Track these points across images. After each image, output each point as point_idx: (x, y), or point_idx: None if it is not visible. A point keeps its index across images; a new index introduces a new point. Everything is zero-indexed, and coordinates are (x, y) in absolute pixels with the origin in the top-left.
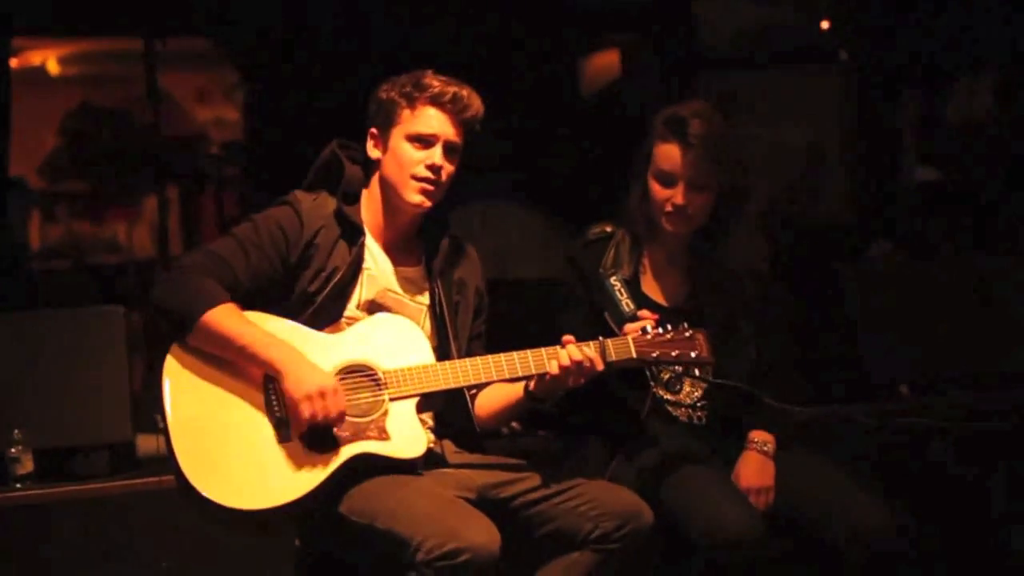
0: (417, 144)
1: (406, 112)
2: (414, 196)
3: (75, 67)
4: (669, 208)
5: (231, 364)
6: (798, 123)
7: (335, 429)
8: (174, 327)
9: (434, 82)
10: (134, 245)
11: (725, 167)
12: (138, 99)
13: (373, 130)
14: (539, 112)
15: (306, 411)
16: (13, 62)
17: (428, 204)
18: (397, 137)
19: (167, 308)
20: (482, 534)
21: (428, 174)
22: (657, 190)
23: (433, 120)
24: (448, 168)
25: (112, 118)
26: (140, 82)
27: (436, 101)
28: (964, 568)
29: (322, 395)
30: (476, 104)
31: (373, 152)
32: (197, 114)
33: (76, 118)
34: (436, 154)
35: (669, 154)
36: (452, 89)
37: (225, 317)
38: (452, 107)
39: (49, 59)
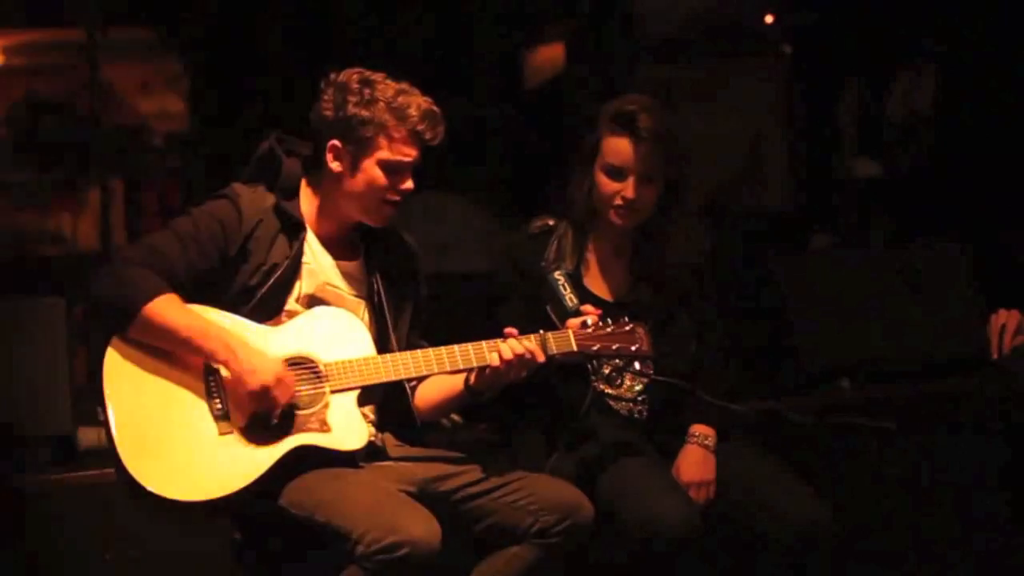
0: (389, 171)
1: (383, 141)
2: (378, 217)
3: (18, 57)
4: (619, 202)
5: (172, 356)
6: (739, 115)
7: (274, 421)
8: (114, 320)
9: (412, 111)
10: (78, 237)
11: (673, 160)
12: (82, 90)
13: (336, 143)
14: (483, 104)
15: (256, 401)
16: None
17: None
18: (371, 163)
19: (106, 302)
20: (422, 527)
21: (398, 198)
22: (605, 183)
23: (410, 149)
24: (411, 182)
25: (55, 109)
26: (84, 73)
27: (415, 133)
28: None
29: (278, 381)
30: (443, 128)
31: (334, 164)
32: (140, 105)
33: (20, 109)
34: (408, 179)
35: (619, 148)
36: (428, 121)
37: (166, 308)
38: (428, 137)
39: None
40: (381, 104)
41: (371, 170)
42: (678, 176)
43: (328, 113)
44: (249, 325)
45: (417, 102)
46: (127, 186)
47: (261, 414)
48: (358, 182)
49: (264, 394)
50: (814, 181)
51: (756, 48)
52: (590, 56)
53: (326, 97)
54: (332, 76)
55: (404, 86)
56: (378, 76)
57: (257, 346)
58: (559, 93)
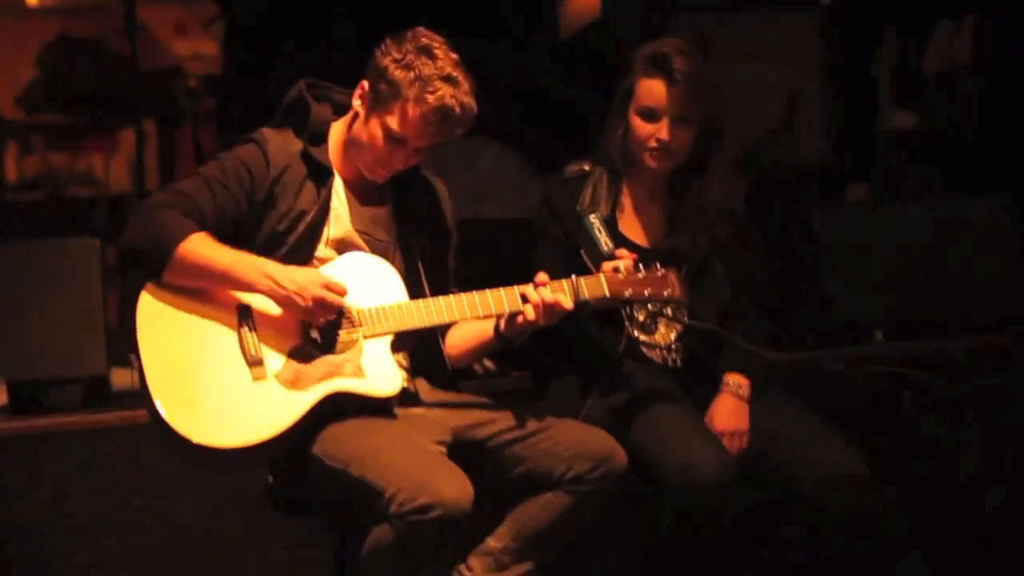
0: (389, 139)
1: (395, 108)
2: (374, 174)
3: None
4: (653, 144)
5: (205, 303)
6: (776, 66)
7: (310, 363)
8: (149, 265)
9: (433, 101)
10: (110, 178)
11: (707, 102)
12: (116, 31)
13: (364, 84)
14: (519, 52)
15: (314, 315)
16: None
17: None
18: (376, 121)
19: (139, 247)
20: (454, 489)
21: (390, 169)
22: (640, 126)
23: (416, 131)
24: (415, 159)
25: (90, 50)
26: (118, 14)
27: (425, 120)
28: (933, 523)
29: (328, 288)
30: (459, 131)
31: (356, 103)
32: (175, 47)
33: (53, 50)
34: (407, 156)
35: (653, 90)
36: (440, 118)
37: (200, 246)
38: (432, 131)
39: None
40: (412, 75)
41: (374, 128)
42: (713, 119)
43: (377, 54)
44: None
45: (446, 94)
46: (160, 128)
47: (316, 333)
48: (362, 132)
49: (320, 305)
50: (851, 133)
51: (795, 1)
52: (627, 5)
53: (389, 40)
54: (414, 28)
55: (456, 75)
56: (442, 52)
57: None
58: (595, 41)
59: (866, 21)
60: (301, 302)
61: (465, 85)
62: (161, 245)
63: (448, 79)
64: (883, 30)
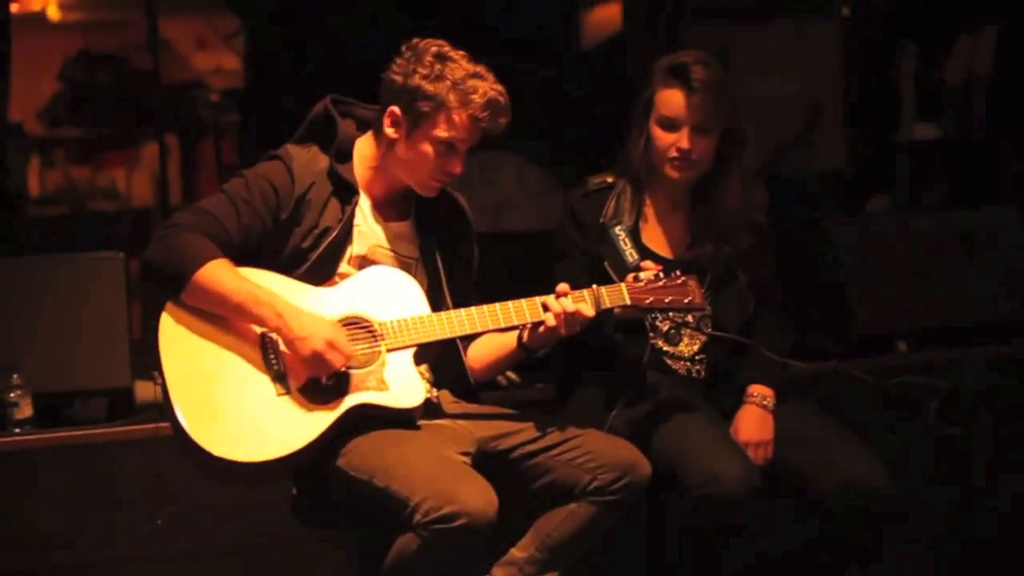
0: (442, 149)
1: (441, 118)
2: (428, 190)
3: (75, 13)
4: (674, 153)
5: (227, 318)
6: (796, 77)
7: (325, 382)
8: (167, 286)
9: (477, 97)
10: (132, 192)
11: (726, 111)
12: (138, 46)
13: (395, 110)
14: (539, 65)
15: (309, 366)
16: (13, 7)
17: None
18: (424, 137)
19: (159, 268)
20: (479, 498)
21: (447, 178)
22: (660, 136)
23: (468, 133)
24: (463, 163)
25: (112, 64)
26: (140, 28)
27: (475, 119)
28: (953, 527)
29: (330, 346)
30: (506, 119)
31: (389, 131)
32: (196, 61)
33: (76, 64)
34: (461, 160)
35: (672, 100)
36: (491, 111)
37: (218, 273)
38: (487, 126)
39: (49, 4)
40: (448, 83)
41: (423, 145)
42: (734, 129)
43: (397, 78)
44: (303, 287)
45: (484, 88)
46: (183, 141)
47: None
48: (409, 153)
49: (317, 360)
50: (872, 144)
51: (814, 10)
52: (647, 17)
53: (400, 61)
54: (415, 42)
55: (479, 69)
56: (457, 54)
57: (311, 308)
58: (616, 53)
59: (887, 32)
60: (301, 349)
61: (490, 75)
62: (180, 269)
63: (477, 75)
64: (904, 41)
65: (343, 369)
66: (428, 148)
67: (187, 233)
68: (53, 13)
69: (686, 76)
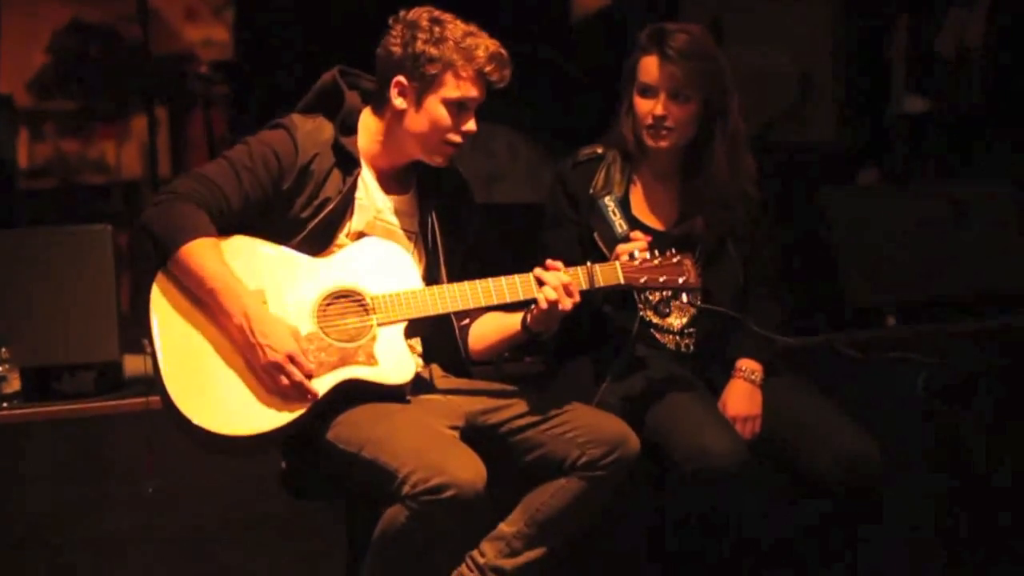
0: (454, 109)
1: (449, 78)
2: (439, 157)
3: None
4: (650, 120)
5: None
6: (788, 49)
7: (323, 355)
8: (157, 252)
9: (480, 52)
10: (122, 165)
11: (705, 79)
12: (127, 17)
13: (401, 79)
14: (529, 36)
15: (268, 374)
16: None
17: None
18: (435, 100)
19: (152, 232)
20: (468, 470)
21: (460, 140)
22: (640, 103)
23: (476, 90)
24: (474, 128)
25: (101, 36)
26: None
27: (482, 73)
28: (945, 504)
29: (289, 359)
30: (510, 71)
31: (397, 101)
32: (186, 33)
33: (65, 36)
34: (471, 120)
35: (648, 66)
36: (496, 63)
37: (201, 253)
38: (495, 79)
39: None
40: (450, 43)
41: (435, 108)
42: (716, 97)
43: (396, 49)
44: (297, 257)
45: (485, 43)
46: (172, 114)
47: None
48: (421, 120)
49: (274, 369)
50: (863, 117)
51: None
52: None
53: (395, 33)
54: (402, 14)
55: (472, 28)
56: (447, 16)
57: (303, 279)
58: (608, 26)
59: (878, 4)
60: (260, 356)
61: (483, 31)
62: (169, 239)
63: (473, 33)
64: (896, 13)
65: (300, 382)
66: (441, 111)
67: (185, 203)
68: None
69: (663, 43)
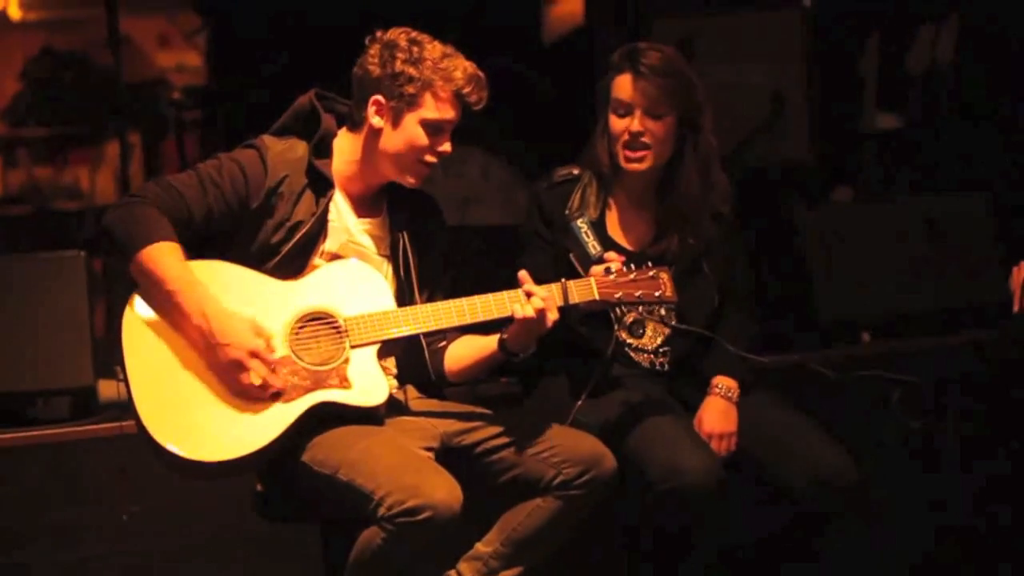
0: (431, 130)
1: (428, 99)
2: (412, 178)
3: (37, 11)
4: (627, 137)
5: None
6: (759, 68)
7: (296, 379)
8: (116, 255)
9: (458, 73)
10: (96, 191)
11: (679, 96)
12: (99, 44)
13: (379, 98)
14: (504, 58)
15: (231, 374)
16: None
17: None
18: (412, 120)
19: (112, 234)
20: (444, 492)
21: (435, 159)
22: (615, 122)
23: (453, 111)
24: (449, 149)
25: (74, 63)
26: (102, 26)
27: (459, 94)
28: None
29: (252, 355)
30: (487, 93)
31: (375, 120)
32: (158, 59)
33: (38, 63)
34: (446, 141)
35: (622, 84)
36: (474, 84)
37: (162, 256)
38: (472, 100)
39: (10, 3)
40: (429, 63)
41: (412, 128)
42: (690, 113)
43: (374, 68)
44: (267, 280)
45: (463, 65)
46: (145, 140)
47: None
48: (398, 140)
49: (236, 367)
50: (835, 134)
51: (777, 1)
52: (610, 9)
53: (372, 53)
54: (379, 34)
55: (449, 49)
56: (425, 37)
57: (274, 302)
58: (578, 46)
59: (850, 22)
60: (220, 355)
61: (459, 52)
62: (129, 242)
63: (450, 54)
64: (867, 31)
65: (264, 384)
66: (418, 130)
67: (147, 207)
68: (14, 12)
69: (636, 61)
